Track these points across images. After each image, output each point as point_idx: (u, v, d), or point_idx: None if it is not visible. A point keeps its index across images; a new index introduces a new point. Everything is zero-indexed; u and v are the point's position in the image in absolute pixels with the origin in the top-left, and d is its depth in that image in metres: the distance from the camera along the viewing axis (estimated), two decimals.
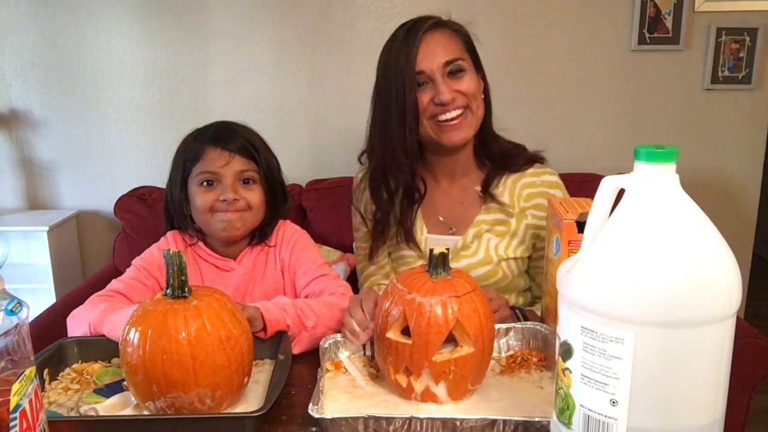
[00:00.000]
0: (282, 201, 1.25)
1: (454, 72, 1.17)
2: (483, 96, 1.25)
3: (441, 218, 1.29)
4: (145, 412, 0.85)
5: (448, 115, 1.17)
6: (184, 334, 0.80)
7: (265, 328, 1.01)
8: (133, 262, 1.22)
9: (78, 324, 1.08)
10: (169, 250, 0.85)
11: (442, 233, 1.30)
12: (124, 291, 1.16)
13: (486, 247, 1.24)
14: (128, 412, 0.85)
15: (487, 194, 1.25)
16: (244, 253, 1.24)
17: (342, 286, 1.19)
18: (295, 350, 1.03)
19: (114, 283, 1.18)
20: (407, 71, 1.15)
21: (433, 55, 1.16)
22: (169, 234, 1.25)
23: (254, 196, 1.18)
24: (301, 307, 1.08)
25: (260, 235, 1.24)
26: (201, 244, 1.23)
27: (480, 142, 1.27)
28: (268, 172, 1.20)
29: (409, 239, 1.27)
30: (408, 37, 1.17)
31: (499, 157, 1.27)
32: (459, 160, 1.28)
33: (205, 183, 1.16)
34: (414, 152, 1.22)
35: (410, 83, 1.15)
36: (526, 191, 1.26)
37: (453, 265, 1.01)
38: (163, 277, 1.19)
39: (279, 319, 1.03)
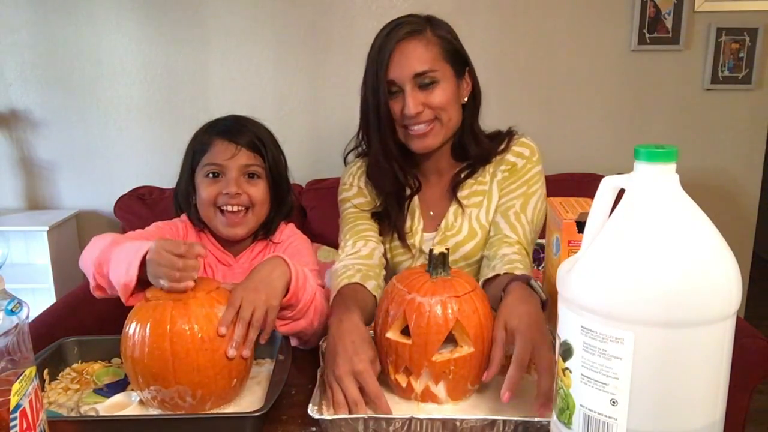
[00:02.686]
0: (286, 197, 1.25)
1: (425, 84, 1.17)
2: (468, 98, 1.23)
3: (431, 213, 1.30)
4: (146, 412, 0.85)
5: (416, 128, 1.19)
6: (167, 331, 0.81)
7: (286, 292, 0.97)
8: (155, 223, 1.23)
9: (92, 249, 1.04)
10: None
11: (435, 230, 1.30)
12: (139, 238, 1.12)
13: (468, 221, 1.25)
14: (128, 412, 0.85)
15: (454, 197, 1.26)
16: (246, 251, 1.24)
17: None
18: (283, 329, 1.01)
19: (131, 234, 1.16)
20: (380, 80, 1.17)
21: (405, 65, 1.16)
22: (184, 215, 1.25)
23: (258, 191, 1.18)
24: (319, 302, 1.06)
25: (264, 231, 1.24)
26: (207, 232, 1.24)
27: (459, 142, 1.26)
28: (275, 167, 1.21)
29: (402, 239, 1.27)
30: (384, 43, 1.17)
31: (476, 157, 1.27)
32: (439, 159, 1.28)
33: (210, 175, 1.17)
34: (394, 156, 1.23)
35: (383, 92, 1.18)
36: (497, 157, 1.27)
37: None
38: None
39: (300, 294, 0.99)
